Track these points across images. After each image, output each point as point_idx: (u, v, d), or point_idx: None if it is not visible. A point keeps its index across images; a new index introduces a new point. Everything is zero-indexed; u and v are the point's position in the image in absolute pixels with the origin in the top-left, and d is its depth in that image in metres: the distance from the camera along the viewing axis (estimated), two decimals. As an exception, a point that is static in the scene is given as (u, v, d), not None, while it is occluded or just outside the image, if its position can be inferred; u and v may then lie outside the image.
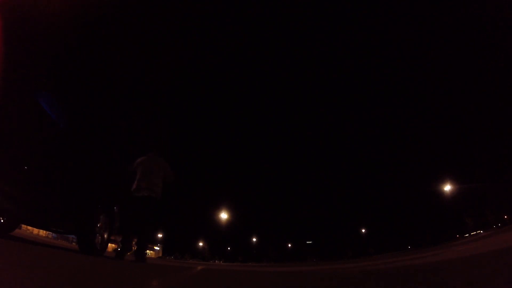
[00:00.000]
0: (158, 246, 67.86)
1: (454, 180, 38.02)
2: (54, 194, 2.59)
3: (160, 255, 64.90)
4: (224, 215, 47.28)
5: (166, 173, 4.39)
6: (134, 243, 4.47)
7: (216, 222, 51.06)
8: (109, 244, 4.10)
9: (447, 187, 37.51)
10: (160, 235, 64.86)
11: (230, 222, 53.56)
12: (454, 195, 39.19)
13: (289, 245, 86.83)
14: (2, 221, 3.43)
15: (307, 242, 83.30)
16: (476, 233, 45.57)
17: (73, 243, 16.62)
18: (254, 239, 79.40)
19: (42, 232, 26.75)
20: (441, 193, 39.18)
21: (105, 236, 3.96)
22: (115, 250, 7.77)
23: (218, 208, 48.30)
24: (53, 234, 26.90)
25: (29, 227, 20.64)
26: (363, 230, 74.14)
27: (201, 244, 73.49)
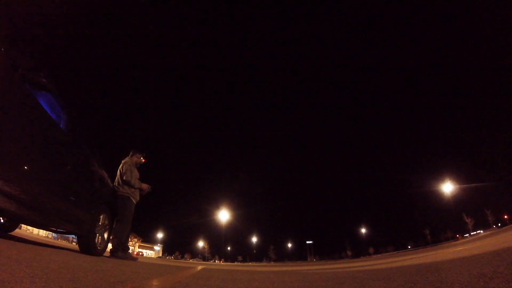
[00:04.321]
0: (158, 246, 67.89)
1: (454, 180, 38.07)
2: (54, 194, 2.58)
3: (160, 255, 64.97)
4: (224, 215, 47.32)
5: (123, 171, 4.49)
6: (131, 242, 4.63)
7: (216, 222, 51.11)
8: (109, 244, 4.11)
9: (447, 187, 37.53)
10: (160, 235, 64.97)
11: (230, 222, 53.62)
12: (454, 195, 39.21)
13: (289, 245, 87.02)
14: (2, 221, 3.43)
15: (307, 242, 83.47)
16: (476, 233, 45.65)
17: (73, 243, 16.63)
18: (254, 239, 79.49)
19: (42, 232, 26.85)
20: (441, 193, 39.22)
21: (105, 236, 3.97)
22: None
23: (218, 208, 48.36)
24: (53, 234, 26.94)
25: (29, 227, 20.69)
26: (363, 230, 74.26)
27: (201, 244, 73.52)
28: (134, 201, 4.50)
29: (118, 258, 3.92)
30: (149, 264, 4.40)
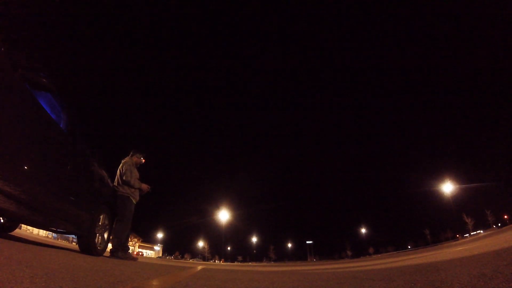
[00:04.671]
0: (158, 246, 67.89)
1: (454, 180, 38.05)
2: (54, 194, 2.58)
3: (160, 255, 64.97)
4: (224, 215, 47.32)
5: (122, 171, 4.51)
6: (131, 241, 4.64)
7: (216, 222, 51.11)
8: (109, 244, 4.11)
9: (447, 187, 37.52)
10: (160, 235, 64.97)
11: (230, 222, 53.63)
12: (454, 195, 39.20)
13: (289, 245, 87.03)
14: (2, 221, 3.43)
15: (307, 242, 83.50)
16: (476, 233, 45.66)
17: (73, 243, 16.63)
18: (254, 239, 79.50)
19: (42, 232, 26.85)
20: (441, 193, 39.21)
21: (105, 236, 3.97)
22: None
23: (218, 208, 48.36)
24: (53, 234, 26.94)
25: (29, 227, 20.69)
26: (363, 230, 74.25)
27: (201, 244, 73.52)
28: (134, 201, 4.51)
29: (118, 258, 3.92)
30: (149, 264, 4.40)
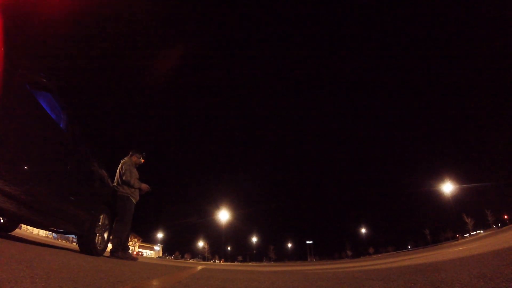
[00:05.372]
0: (158, 246, 67.90)
1: (454, 180, 38.04)
2: (54, 194, 2.58)
3: (160, 255, 64.98)
4: (224, 215, 47.33)
5: (122, 171, 4.51)
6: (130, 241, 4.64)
7: (216, 222, 51.12)
8: (109, 244, 4.11)
9: (447, 187, 37.51)
10: (160, 235, 64.98)
11: (230, 222, 53.63)
12: (454, 195, 39.19)
13: (289, 245, 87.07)
14: (2, 221, 3.43)
15: (307, 242, 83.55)
16: (476, 233, 45.65)
17: (73, 243, 16.63)
18: (254, 239, 79.50)
19: (42, 232, 26.86)
20: (441, 193, 39.20)
21: (105, 236, 3.97)
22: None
23: (218, 208, 48.37)
24: (53, 234, 26.94)
25: (29, 227, 20.69)
26: (363, 230, 74.26)
27: (201, 244, 73.53)
28: (133, 201, 4.51)
29: (118, 258, 3.92)
30: (149, 264, 4.40)
